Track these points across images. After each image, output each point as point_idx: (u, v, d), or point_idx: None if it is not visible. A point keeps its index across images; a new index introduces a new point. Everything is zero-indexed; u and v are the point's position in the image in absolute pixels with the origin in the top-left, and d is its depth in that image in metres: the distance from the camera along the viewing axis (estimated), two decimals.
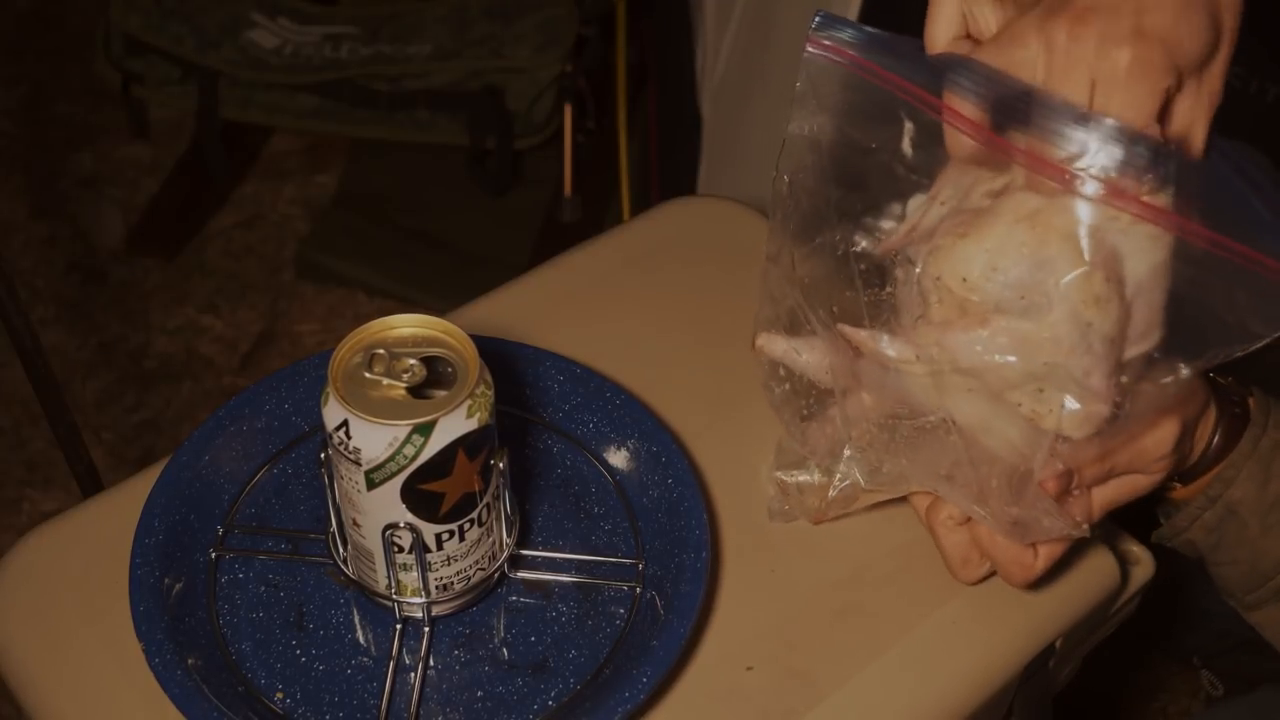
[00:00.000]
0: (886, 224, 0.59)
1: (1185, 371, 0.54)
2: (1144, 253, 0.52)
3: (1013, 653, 0.66)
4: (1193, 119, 0.53)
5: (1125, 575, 0.71)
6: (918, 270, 0.57)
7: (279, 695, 0.61)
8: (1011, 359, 0.54)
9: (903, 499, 0.66)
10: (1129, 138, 0.50)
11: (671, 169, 1.66)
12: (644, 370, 0.75)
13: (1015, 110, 0.52)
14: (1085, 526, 0.58)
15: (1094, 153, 0.51)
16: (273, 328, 1.76)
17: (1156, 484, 0.62)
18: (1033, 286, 0.53)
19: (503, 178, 1.83)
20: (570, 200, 1.79)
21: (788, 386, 0.63)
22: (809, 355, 0.62)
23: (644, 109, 1.77)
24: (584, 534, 0.68)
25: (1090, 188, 0.51)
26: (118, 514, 0.67)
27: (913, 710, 0.64)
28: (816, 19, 0.56)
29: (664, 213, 0.90)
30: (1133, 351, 0.54)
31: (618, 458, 0.70)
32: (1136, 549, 0.74)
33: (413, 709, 0.60)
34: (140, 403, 1.67)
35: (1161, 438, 0.59)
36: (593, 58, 1.78)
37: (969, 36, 0.57)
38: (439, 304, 1.50)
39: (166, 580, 0.62)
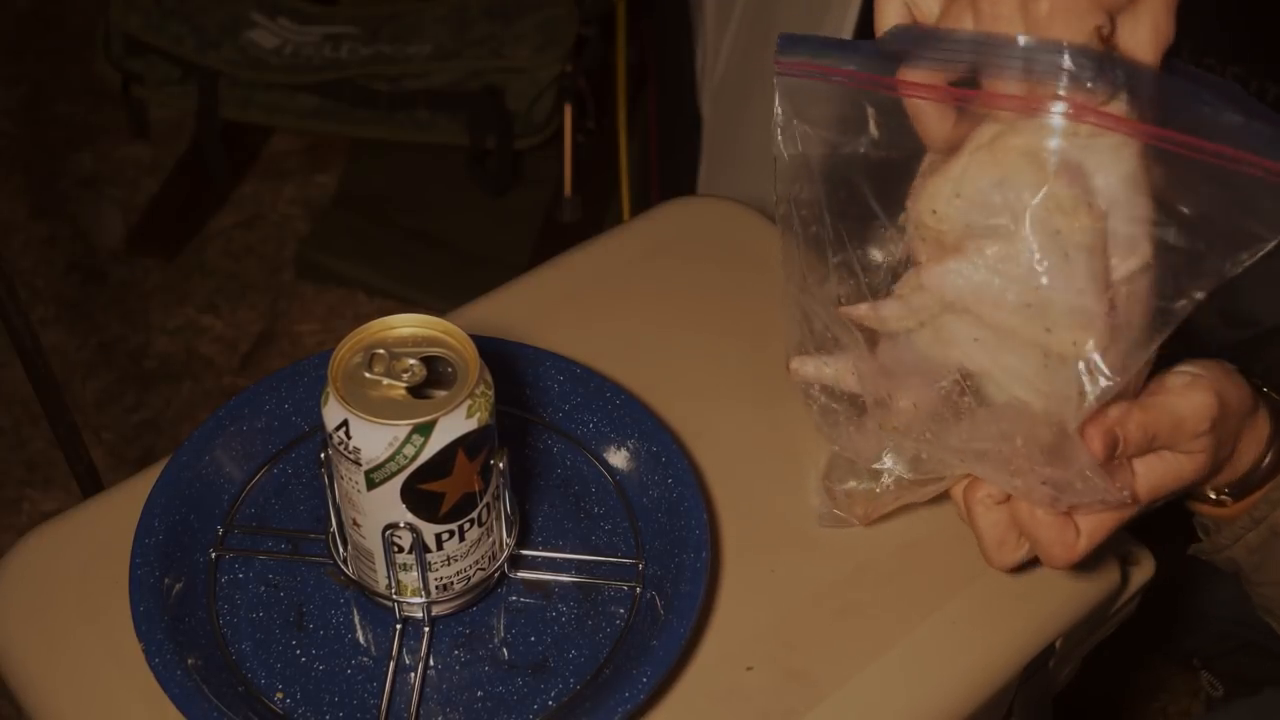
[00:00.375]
0: (889, 227, 0.59)
1: (1195, 289, 0.53)
2: (1110, 164, 0.53)
3: (1013, 653, 0.66)
4: (1135, 55, 0.53)
5: (1125, 575, 0.71)
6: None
7: (279, 695, 0.61)
8: (992, 281, 0.54)
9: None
10: (1068, 51, 0.51)
11: (671, 169, 1.66)
12: (644, 370, 0.75)
13: (962, 58, 0.54)
14: (1127, 494, 0.57)
15: (1039, 71, 0.52)
16: (273, 328, 1.76)
17: (1201, 473, 0.60)
18: (996, 205, 0.53)
19: (503, 178, 1.83)
20: (570, 200, 1.79)
21: (824, 399, 0.64)
22: (837, 366, 0.62)
23: (644, 109, 1.77)
24: (584, 534, 0.68)
25: (1045, 106, 0.52)
26: (118, 514, 0.67)
27: (913, 710, 0.64)
28: (778, 41, 0.57)
29: (664, 213, 0.90)
30: (1123, 268, 0.53)
31: (618, 458, 0.70)
32: (1136, 549, 0.74)
33: (413, 709, 0.60)
34: (140, 403, 1.67)
35: (1198, 410, 0.58)
36: (593, 58, 1.78)
37: None
38: (439, 304, 1.50)
39: (166, 580, 0.62)
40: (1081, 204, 0.53)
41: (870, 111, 0.57)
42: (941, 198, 0.55)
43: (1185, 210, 0.53)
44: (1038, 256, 0.53)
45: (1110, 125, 0.52)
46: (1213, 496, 0.67)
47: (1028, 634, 0.67)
